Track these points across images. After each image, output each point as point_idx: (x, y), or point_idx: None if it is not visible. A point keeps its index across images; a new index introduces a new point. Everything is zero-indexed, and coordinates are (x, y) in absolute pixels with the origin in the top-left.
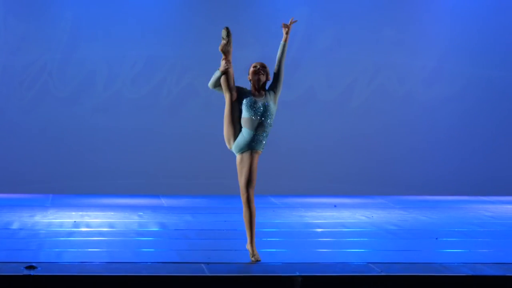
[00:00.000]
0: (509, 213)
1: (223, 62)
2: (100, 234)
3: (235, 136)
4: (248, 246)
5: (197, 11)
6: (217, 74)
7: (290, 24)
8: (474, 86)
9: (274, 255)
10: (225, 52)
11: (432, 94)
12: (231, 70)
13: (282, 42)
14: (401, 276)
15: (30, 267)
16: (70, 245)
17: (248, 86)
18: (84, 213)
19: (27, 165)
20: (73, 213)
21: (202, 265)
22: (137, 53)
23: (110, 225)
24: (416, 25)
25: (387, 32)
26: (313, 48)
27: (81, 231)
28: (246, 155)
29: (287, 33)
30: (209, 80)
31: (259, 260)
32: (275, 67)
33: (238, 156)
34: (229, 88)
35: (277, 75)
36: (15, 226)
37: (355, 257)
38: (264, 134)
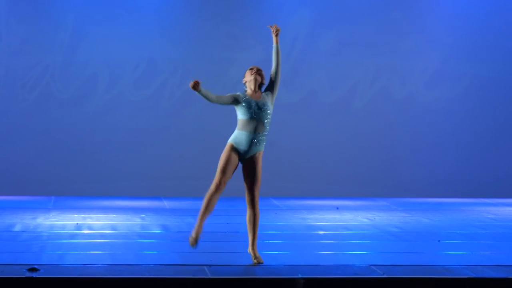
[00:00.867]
0: (511, 215)
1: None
2: (103, 236)
3: None
4: (249, 249)
5: (199, 13)
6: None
7: (274, 28)
8: (476, 87)
9: (277, 257)
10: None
11: (434, 96)
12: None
13: (274, 45)
14: (404, 278)
15: (33, 269)
16: (72, 247)
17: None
18: (87, 215)
19: (29, 167)
20: (76, 215)
21: (204, 267)
22: (139, 55)
23: (113, 227)
24: (418, 27)
25: (389, 34)
26: (315, 50)
27: (84, 233)
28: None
29: (276, 35)
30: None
31: (262, 263)
32: (272, 69)
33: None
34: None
35: (274, 77)
36: (17, 228)
37: (358, 259)
38: (263, 135)
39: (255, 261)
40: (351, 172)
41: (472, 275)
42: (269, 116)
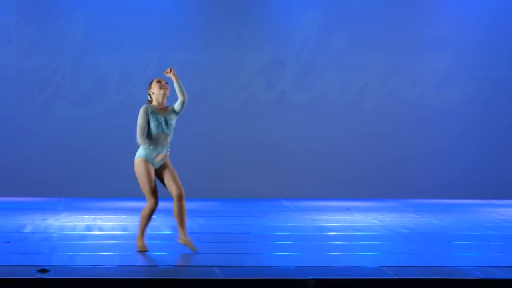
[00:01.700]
0: None
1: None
2: (113, 237)
3: None
4: (183, 239)
5: (208, 14)
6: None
7: (169, 72)
8: (486, 89)
9: (287, 258)
10: None
11: (444, 97)
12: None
13: (174, 83)
14: (414, 279)
15: (43, 270)
16: (82, 248)
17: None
18: (97, 216)
19: (39, 168)
20: (86, 216)
21: (215, 268)
22: (149, 57)
23: (123, 228)
24: (428, 28)
25: (399, 35)
26: (325, 52)
27: (94, 234)
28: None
29: (173, 74)
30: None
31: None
32: (178, 102)
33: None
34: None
35: (178, 110)
36: (28, 229)
37: (368, 260)
38: (169, 147)
39: (195, 248)
40: (361, 173)
41: (483, 276)
42: (172, 130)
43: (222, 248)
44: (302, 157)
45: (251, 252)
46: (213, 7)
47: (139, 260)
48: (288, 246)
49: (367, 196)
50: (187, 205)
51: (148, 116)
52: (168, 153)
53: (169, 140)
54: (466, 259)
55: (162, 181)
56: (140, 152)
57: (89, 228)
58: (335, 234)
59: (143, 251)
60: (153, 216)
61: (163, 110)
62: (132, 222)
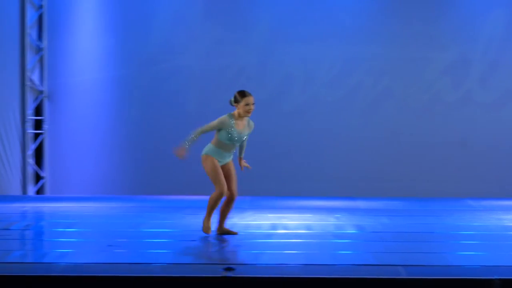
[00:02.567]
0: None
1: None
2: (298, 236)
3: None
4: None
5: (393, 13)
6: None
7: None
8: None
9: (472, 257)
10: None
11: None
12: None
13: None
14: None
15: (228, 269)
16: (267, 247)
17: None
18: (282, 215)
19: None
20: (271, 215)
21: (399, 267)
22: (334, 55)
23: (308, 227)
24: None
25: None
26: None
27: (279, 233)
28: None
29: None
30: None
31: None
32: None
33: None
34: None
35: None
36: (213, 228)
37: None
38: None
39: (234, 232)
40: None
41: None
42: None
43: (406, 247)
44: (488, 156)
45: (436, 252)
46: (399, 5)
47: (323, 259)
48: (473, 245)
49: None
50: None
51: (221, 127)
52: (231, 157)
53: (235, 148)
54: None
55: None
56: (209, 150)
57: (274, 226)
58: None
59: (207, 232)
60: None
61: (241, 125)
62: (317, 221)
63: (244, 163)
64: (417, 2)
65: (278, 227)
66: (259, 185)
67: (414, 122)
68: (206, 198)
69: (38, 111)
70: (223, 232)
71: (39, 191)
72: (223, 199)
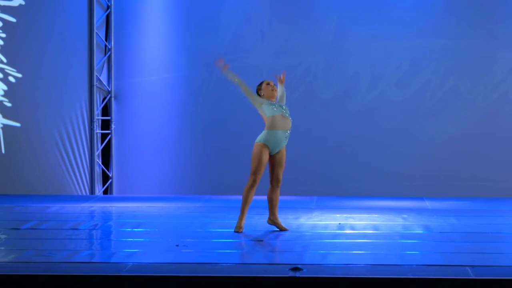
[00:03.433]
0: None
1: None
2: (365, 236)
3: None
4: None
5: (460, 12)
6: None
7: (283, 79)
8: None
9: None
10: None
11: None
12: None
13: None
14: None
15: (296, 269)
16: (335, 247)
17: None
18: (349, 215)
19: (292, 167)
20: (338, 215)
21: (467, 268)
22: (401, 55)
23: (375, 228)
24: None
25: None
26: None
27: (346, 233)
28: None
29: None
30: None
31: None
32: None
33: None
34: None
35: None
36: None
37: None
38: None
39: (285, 228)
40: None
41: None
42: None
43: (474, 248)
44: None
45: (504, 252)
46: (466, 5)
47: (391, 259)
48: None
49: None
50: (433, 203)
51: (256, 102)
52: (286, 142)
53: (289, 124)
54: None
55: (271, 163)
56: (261, 137)
57: (341, 226)
58: None
59: (238, 231)
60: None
61: (274, 99)
62: (384, 221)
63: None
64: (484, 2)
65: (345, 227)
66: (326, 185)
67: (482, 122)
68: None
69: (105, 111)
70: (273, 222)
71: (107, 191)
72: (251, 191)
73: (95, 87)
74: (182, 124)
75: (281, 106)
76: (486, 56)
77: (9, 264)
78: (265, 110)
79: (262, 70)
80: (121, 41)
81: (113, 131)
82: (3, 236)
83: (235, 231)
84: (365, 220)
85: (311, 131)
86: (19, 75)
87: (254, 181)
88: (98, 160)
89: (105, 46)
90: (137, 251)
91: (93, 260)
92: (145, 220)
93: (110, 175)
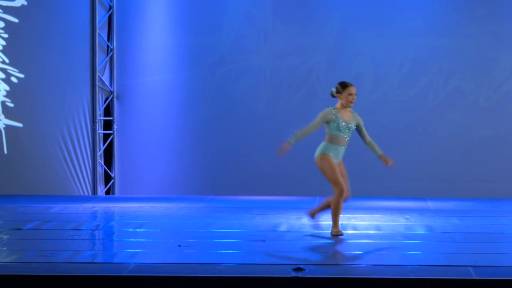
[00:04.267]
0: None
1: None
2: (367, 236)
3: None
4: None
5: (464, 12)
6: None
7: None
8: None
9: None
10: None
11: None
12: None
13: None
14: None
15: (298, 269)
16: (337, 247)
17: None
18: (351, 215)
19: (294, 167)
20: (340, 215)
21: (470, 268)
22: (404, 55)
23: (377, 228)
24: None
25: None
26: None
27: (348, 233)
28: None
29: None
30: None
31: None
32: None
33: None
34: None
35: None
36: (282, 228)
37: None
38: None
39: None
40: None
41: None
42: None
43: (476, 248)
44: None
45: (506, 252)
46: (469, 5)
47: (394, 260)
48: None
49: None
50: (436, 204)
51: (327, 120)
52: (343, 155)
53: (347, 140)
54: None
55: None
56: (323, 148)
57: (343, 227)
58: None
59: (338, 234)
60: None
61: (346, 115)
62: (386, 222)
63: (387, 158)
64: (487, 2)
65: (347, 228)
66: (328, 186)
67: (485, 122)
68: (275, 198)
69: (107, 111)
70: (336, 233)
71: (109, 191)
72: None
73: (97, 87)
74: (184, 124)
75: (349, 128)
76: (489, 56)
77: (11, 264)
78: (331, 127)
79: (264, 71)
80: (123, 42)
81: (115, 131)
82: (5, 237)
83: (333, 234)
84: (367, 221)
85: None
86: (22, 76)
87: (341, 189)
88: (100, 161)
89: (107, 46)
90: (139, 252)
91: (96, 261)
92: (148, 221)
93: (112, 176)
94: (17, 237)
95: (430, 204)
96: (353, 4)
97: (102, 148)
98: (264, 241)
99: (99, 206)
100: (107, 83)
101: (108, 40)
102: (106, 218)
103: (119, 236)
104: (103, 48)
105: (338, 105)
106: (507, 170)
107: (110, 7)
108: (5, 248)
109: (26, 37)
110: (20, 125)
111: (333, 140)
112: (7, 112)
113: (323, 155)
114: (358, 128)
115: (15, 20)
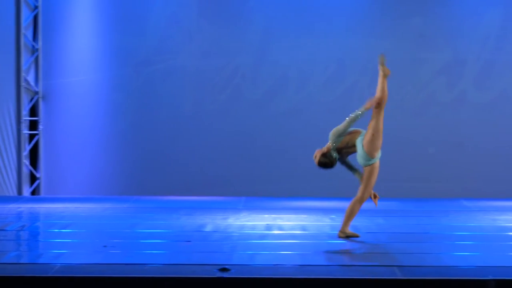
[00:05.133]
0: None
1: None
2: (293, 237)
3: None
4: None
5: (388, 12)
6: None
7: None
8: None
9: (467, 258)
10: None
11: None
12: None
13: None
14: None
15: (224, 269)
16: (262, 247)
17: None
18: (277, 215)
19: (220, 167)
20: (266, 215)
21: (395, 268)
22: (329, 56)
23: (303, 228)
24: None
25: None
26: (506, 50)
27: (274, 233)
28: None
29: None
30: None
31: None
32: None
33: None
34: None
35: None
36: (208, 228)
37: None
38: None
39: (357, 234)
40: None
41: None
42: None
43: (401, 248)
44: (483, 157)
45: (431, 252)
46: (394, 4)
47: (319, 260)
48: (468, 246)
49: None
50: (367, 204)
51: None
52: None
53: None
54: None
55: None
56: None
57: (269, 227)
58: None
59: (354, 236)
60: None
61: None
62: (312, 222)
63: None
64: (411, 3)
65: (273, 228)
66: (254, 186)
67: (409, 123)
68: (201, 199)
69: (33, 111)
70: (345, 235)
71: (34, 192)
72: None
73: (22, 87)
74: (111, 124)
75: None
76: (414, 56)
77: None
78: None
79: (190, 71)
80: (49, 42)
81: (40, 131)
82: None
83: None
84: (293, 221)
85: (239, 131)
86: None
87: (365, 197)
88: (25, 161)
89: (33, 46)
90: (65, 252)
91: (21, 261)
92: (73, 221)
93: (38, 176)
94: None
95: None
96: (278, 5)
97: (28, 148)
98: (190, 241)
99: (25, 207)
100: (32, 83)
101: (34, 40)
102: (32, 219)
103: (45, 237)
104: (28, 48)
105: None
106: (430, 170)
107: (36, 7)
108: None
109: None
110: None
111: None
112: None
113: (378, 163)
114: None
115: None
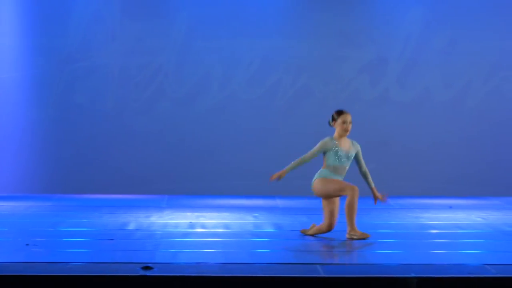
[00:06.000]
0: None
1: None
2: (216, 235)
3: None
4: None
5: (312, 11)
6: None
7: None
8: None
9: (389, 256)
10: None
11: None
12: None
13: (371, 185)
14: None
15: (146, 267)
16: (185, 245)
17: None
18: (200, 214)
19: (143, 166)
20: (189, 214)
21: (317, 266)
22: (252, 54)
23: (226, 226)
24: None
25: (503, 32)
26: (428, 49)
27: (197, 231)
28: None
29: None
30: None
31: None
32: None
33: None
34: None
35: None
36: (131, 227)
37: (471, 258)
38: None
39: (367, 235)
40: (464, 171)
41: None
42: (349, 163)
43: (324, 246)
44: (405, 155)
45: (354, 250)
46: (316, 3)
47: (242, 258)
48: (391, 244)
49: (470, 194)
50: (284, 202)
51: (326, 150)
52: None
53: (346, 170)
54: None
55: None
56: (321, 174)
57: (192, 225)
58: (438, 232)
59: (365, 237)
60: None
61: (346, 145)
62: (235, 220)
63: (379, 194)
64: (333, 3)
65: (196, 226)
66: (176, 184)
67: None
68: (124, 197)
69: None
70: (353, 236)
71: None
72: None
73: None
74: (33, 122)
75: (348, 157)
76: (336, 55)
77: None
78: (329, 157)
79: (113, 69)
80: None
81: None
82: None
83: (363, 238)
84: (216, 219)
85: (162, 130)
86: None
87: (351, 187)
88: None
89: None
90: None
91: None
92: None
93: None
94: None
95: (279, 202)
96: (201, 3)
97: None
98: (112, 239)
99: None
100: None
101: None
102: None
103: None
104: None
105: (335, 134)
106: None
107: None
108: None
109: None
110: None
111: (331, 169)
112: None
113: (320, 179)
114: (356, 157)
115: None
